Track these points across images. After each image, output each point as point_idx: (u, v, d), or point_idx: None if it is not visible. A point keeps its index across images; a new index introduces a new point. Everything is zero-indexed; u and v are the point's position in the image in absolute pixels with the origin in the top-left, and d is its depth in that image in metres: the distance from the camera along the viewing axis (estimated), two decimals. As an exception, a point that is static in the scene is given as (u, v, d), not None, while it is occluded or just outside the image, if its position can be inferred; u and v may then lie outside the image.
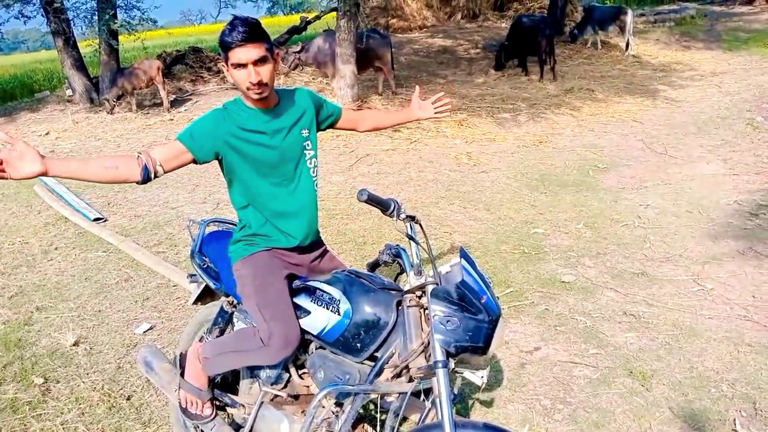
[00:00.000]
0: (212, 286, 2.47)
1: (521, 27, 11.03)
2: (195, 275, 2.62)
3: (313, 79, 11.24)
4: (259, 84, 1.92)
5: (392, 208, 1.88)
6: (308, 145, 2.15)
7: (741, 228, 4.66)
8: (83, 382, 3.14)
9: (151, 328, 3.64)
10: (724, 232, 4.61)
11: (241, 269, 2.14)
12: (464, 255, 1.87)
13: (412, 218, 1.92)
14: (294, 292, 2.12)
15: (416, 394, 1.91)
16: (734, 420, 2.64)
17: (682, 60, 12.44)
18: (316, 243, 2.26)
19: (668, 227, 4.79)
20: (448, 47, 14.23)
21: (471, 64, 12.60)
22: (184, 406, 2.34)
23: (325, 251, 2.31)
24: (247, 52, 1.88)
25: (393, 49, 10.18)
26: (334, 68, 9.14)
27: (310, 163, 2.15)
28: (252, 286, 2.08)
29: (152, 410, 2.89)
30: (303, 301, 2.09)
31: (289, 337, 2.00)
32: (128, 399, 2.98)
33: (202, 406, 2.33)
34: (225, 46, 1.90)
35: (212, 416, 2.34)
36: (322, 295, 2.04)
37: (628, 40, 12.84)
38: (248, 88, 1.93)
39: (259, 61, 1.90)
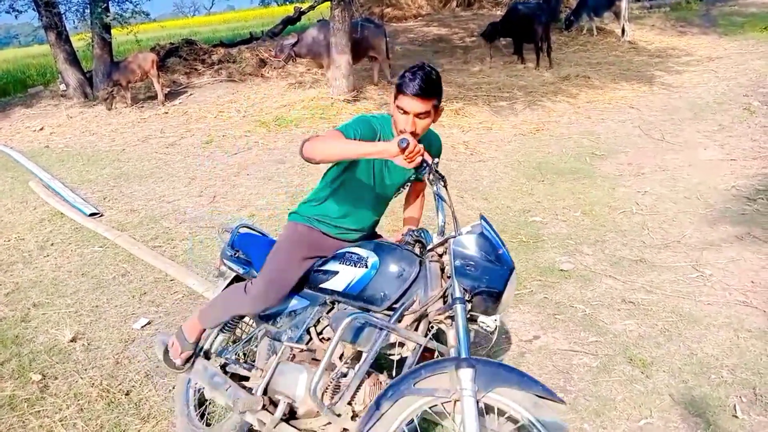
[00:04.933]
0: (240, 272, 2.61)
1: (517, 14, 10.95)
2: (222, 269, 2.75)
3: (307, 70, 11.17)
4: (413, 134, 2.04)
5: (424, 165, 1.97)
6: (407, 186, 2.36)
7: (739, 213, 4.65)
8: (81, 378, 3.12)
9: (149, 323, 3.63)
10: (722, 218, 4.60)
11: (287, 228, 2.38)
12: (483, 218, 2.03)
13: (441, 177, 2.03)
14: (322, 263, 2.27)
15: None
16: (734, 406, 2.64)
17: (678, 45, 12.39)
18: (364, 238, 2.41)
19: (666, 214, 4.78)
20: (443, 36, 14.16)
21: (467, 52, 12.54)
22: (168, 348, 2.58)
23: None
24: (415, 105, 2.01)
25: (388, 39, 10.11)
26: (329, 59, 9.09)
27: (394, 197, 2.37)
28: (278, 243, 2.34)
29: (151, 405, 2.88)
30: (330, 266, 2.23)
31: (269, 289, 2.23)
32: (127, 394, 2.97)
33: (180, 354, 2.55)
34: (400, 88, 2.03)
35: (182, 369, 2.59)
36: (351, 256, 2.18)
37: (623, 26, 12.78)
38: (401, 132, 2.05)
39: (422, 115, 2.04)
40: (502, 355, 3.11)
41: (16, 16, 11.57)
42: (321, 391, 2.00)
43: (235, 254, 2.64)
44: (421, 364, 1.83)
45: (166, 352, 2.59)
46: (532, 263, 4.08)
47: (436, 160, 2.06)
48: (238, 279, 2.65)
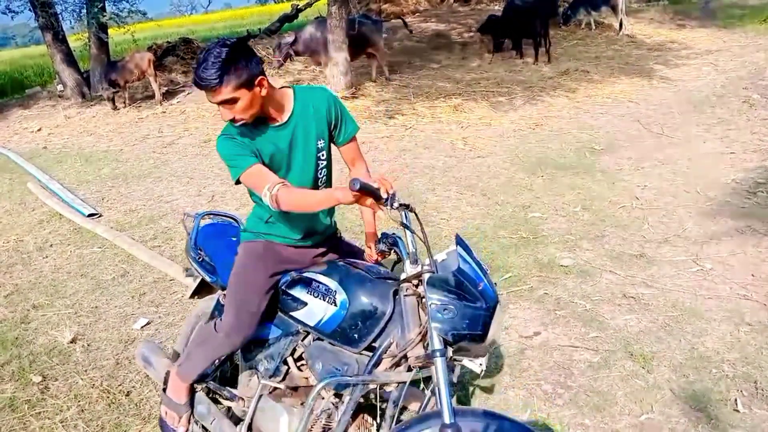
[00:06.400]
0: (208, 279, 2.48)
1: (515, 9, 10.92)
2: (191, 269, 2.62)
3: (305, 67, 11.14)
4: (233, 120, 1.91)
5: (386, 196, 1.80)
6: (322, 155, 2.12)
7: (739, 207, 4.64)
8: (81, 379, 3.12)
9: (148, 323, 3.62)
10: (722, 211, 4.59)
11: (239, 252, 2.23)
12: (460, 242, 1.85)
13: (406, 206, 1.83)
14: (290, 285, 2.13)
15: (416, 382, 1.90)
16: (735, 400, 2.63)
17: (676, 38, 12.36)
18: (325, 241, 2.29)
19: (666, 208, 4.77)
20: (441, 32, 14.11)
21: (465, 48, 12.51)
22: (164, 419, 2.39)
23: (335, 246, 2.32)
24: (209, 97, 1.87)
25: (385, 35, 10.09)
26: (327, 56, 9.06)
27: (321, 174, 2.13)
28: (235, 269, 2.17)
29: (152, 405, 2.88)
30: (298, 292, 2.09)
31: (241, 317, 2.08)
32: (127, 395, 2.97)
33: (178, 421, 2.35)
34: None
35: None
36: (318, 287, 2.03)
37: (621, 19, 12.74)
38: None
39: (225, 103, 1.86)
40: (502, 352, 3.10)
41: (12, 17, 11.56)
42: None
43: (199, 256, 2.49)
44: (404, 423, 1.75)
45: (163, 424, 2.41)
46: (532, 259, 4.07)
47: (398, 195, 1.80)
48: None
